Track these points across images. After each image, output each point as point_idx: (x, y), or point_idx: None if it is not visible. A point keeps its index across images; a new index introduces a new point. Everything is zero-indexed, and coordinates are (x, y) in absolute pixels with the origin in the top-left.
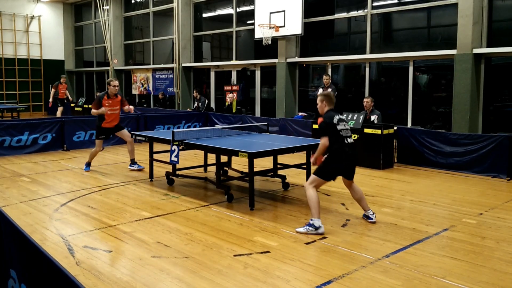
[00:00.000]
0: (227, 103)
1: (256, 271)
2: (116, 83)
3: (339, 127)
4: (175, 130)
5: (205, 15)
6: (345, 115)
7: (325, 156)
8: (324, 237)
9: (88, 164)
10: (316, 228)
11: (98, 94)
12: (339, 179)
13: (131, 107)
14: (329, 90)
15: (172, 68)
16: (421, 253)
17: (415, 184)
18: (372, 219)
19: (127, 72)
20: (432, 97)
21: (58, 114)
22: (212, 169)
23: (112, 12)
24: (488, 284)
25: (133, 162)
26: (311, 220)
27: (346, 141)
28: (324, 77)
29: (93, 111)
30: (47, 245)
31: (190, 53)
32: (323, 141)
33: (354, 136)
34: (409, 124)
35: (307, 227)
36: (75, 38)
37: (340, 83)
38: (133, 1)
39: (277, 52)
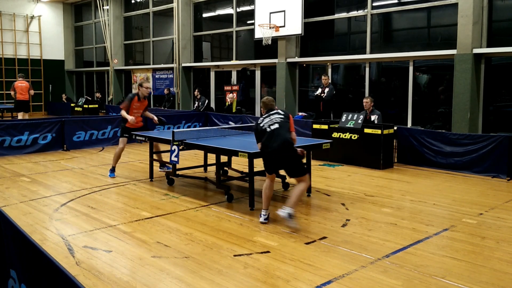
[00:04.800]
0: (227, 103)
1: (256, 271)
2: (149, 84)
3: (261, 124)
4: (175, 130)
5: (205, 15)
6: (280, 111)
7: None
8: (324, 237)
9: (112, 170)
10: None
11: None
12: None
13: (155, 117)
14: (327, 90)
15: (172, 68)
16: (421, 253)
17: (415, 184)
18: (283, 213)
19: (127, 72)
20: (432, 97)
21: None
22: (212, 169)
23: (112, 12)
24: (488, 284)
25: (163, 165)
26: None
27: (267, 130)
28: (323, 77)
29: (122, 113)
30: (47, 245)
31: (190, 53)
32: (258, 147)
33: (354, 136)
34: (409, 124)
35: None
36: (75, 38)
37: (340, 83)
38: (133, 1)
39: (277, 52)
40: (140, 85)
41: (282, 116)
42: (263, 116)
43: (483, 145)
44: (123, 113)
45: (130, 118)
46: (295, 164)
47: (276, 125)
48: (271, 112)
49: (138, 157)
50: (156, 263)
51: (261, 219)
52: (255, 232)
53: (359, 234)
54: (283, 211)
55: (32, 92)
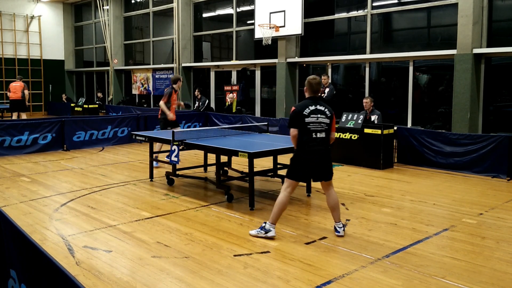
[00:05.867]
0: (227, 103)
1: (256, 271)
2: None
3: (307, 120)
4: (175, 130)
5: (205, 15)
6: (323, 107)
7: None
8: (324, 237)
9: (155, 159)
10: (266, 231)
11: (166, 89)
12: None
13: (181, 102)
14: (327, 90)
15: (172, 68)
16: (421, 253)
17: (415, 184)
18: (339, 232)
19: (127, 72)
20: (432, 97)
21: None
22: (212, 169)
23: (112, 12)
24: (488, 284)
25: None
26: (265, 222)
27: (313, 136)
28: (323, 77)
29: (162, 105)
30: (47, 245)
31: (190, 53)
32: (291, 133)
33: (354, 136)
34: (409, 124)
35: (259, 230)
36: (75, 38)
37: (340, 83)
38: (133, 1)
39: (277, 52)
40: (179, 79)
41: (328, 121)
42: (309, 105)
43: (483, 145)
44: (163, 106)
45: (170, 115)
46: (330, 167)
47: (323, 134)
48: (318, 107)
49: (138, 157)
50: (156, 263)
51: (272, 234)
52: None
53: (359, 234)
54: (339, 230)
55: (27, 92)
